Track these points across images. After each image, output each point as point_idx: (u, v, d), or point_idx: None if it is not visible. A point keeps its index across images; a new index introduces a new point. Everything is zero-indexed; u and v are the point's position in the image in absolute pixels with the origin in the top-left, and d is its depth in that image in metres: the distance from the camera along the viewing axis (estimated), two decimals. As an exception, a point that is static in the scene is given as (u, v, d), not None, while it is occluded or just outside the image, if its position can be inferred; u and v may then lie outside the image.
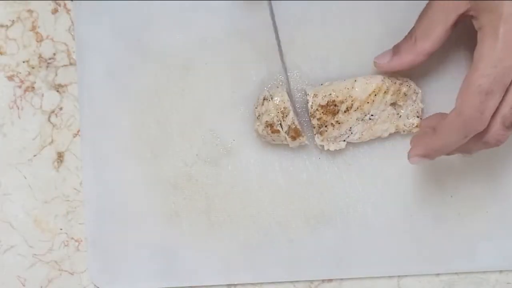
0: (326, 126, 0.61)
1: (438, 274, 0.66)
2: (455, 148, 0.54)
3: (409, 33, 0.57)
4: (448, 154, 0.56)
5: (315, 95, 0.61)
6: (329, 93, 0.60)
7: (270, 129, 0.61)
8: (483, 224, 0.65)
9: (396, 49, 0.58)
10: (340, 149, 0.63)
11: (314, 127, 0.61)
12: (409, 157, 0.57)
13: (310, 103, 0.61)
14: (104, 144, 0.65)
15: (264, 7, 0.62)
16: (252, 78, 0.64)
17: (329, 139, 0.62)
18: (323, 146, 0.62)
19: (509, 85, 0.51)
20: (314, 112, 0.61)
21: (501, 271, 0.66)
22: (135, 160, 0.65)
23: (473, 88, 0.50)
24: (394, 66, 0.58)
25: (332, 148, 0.62)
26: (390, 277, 0.66)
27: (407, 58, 0.57)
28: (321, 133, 0.61)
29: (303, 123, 0.63)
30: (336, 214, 0.64)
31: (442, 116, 0.58)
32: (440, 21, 0.54)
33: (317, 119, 0.61)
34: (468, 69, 0.51)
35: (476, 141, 0.54)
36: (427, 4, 0.56)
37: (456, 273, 0.66)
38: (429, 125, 0.58)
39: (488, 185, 0.65)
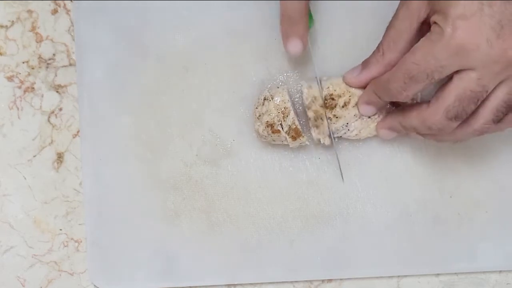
0: (321, 119, 0.61)
1: (437, 274, 0.66)
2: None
3: (377, 47, 0.57)
4: (405, 131, 0.59)
5: (310, 87, 0.61)
6: (327, 87, 0.60)
7: (271, 129, 0.61)
8: (483, 224, 0.65)
9: (365, 63, 0.59)
10: (339, 150, 0.63)
11: (310, 119, 0.61)
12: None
13: (304, 95, 0.61)
14: (104, 144, 0.65)
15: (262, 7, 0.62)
16: (252, 78, 0.64)
17: (325, 133, 0.61)
18: (319, 140, 0.62)
19: (456, 78, 0.51)
20: (310, 104, 0.61)
21: (501, 271, 0.66)
22: (135, 160, 0.65)
23: (402, 69, 0.53)
24: (363, 79, 0.59)
25: (327, 142, 0.62)
26: (390, 277, 0.66)
27: (375, 71, 0.57)
28: (316, 126, 0.61)
29: (303, 123, 0.64)
30: (336, 214, 0.64)
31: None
32: (405, 30, 0.54)
33: (313, 111, 0.61)
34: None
35: (422, 124, 0.55)
36: (393, 16, 0.56)
37: (455, 273, 0.66)
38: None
39: (488, 185, 0.65)
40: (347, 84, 0.60)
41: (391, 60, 0.56)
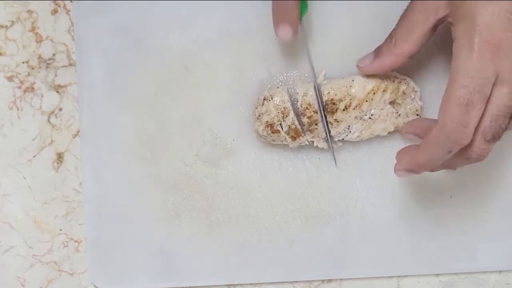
0: (316, 124, 0.61)
1: (437, 275, 0.66)
2: (440, 163, 0.53)
3: (389, 35, 0.57)
4: (432, 170, 0.56)
5: (305, 94, 0.61)
6: (327, 92, 0.60)
7: (270, 129, 0.61)
8: (483, 224, 0.65)
9: (377, 52, 0.58)
10: (339, 150, 0.63)
11: (304, 125, 0.61)
12: (395, 171, 0.56)
13: (299, 102, 0.61)
14: (104, 144, 0.65)
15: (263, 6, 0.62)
16: (252, 78, 0.64)
17: (319, 136, 0.61)
18: (313, 142, 0.62)
19: (489, 97, 0.50)
20: (304, 110, 0.61)
21: (500, 271, 0.66)
22: (135, 160, 0.65)
23: (453, 100, 0.49)
24: (375, 68, 0.58)
25: (320, 145, 0.62)
26: (389, 277, 0.66)
27: (387, 60, 0.57)
28: (310, 131, 0.61)
29: (303, 124, 0.64)
30: (336, 214, 0.64)
31: (424, 122, 0.58)
32: (419, 23, 0.54)
33: (307, 117, 0.61)
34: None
35: (459, 156, 0.52)
36: (407, 7, 0.56)
37: (455, 273, 0.66)
38: (412, 131, 0.59)
39: (488, 185, 0.65)
40: (360, 71, 0.60)
41: (404, 51, 0.55)
